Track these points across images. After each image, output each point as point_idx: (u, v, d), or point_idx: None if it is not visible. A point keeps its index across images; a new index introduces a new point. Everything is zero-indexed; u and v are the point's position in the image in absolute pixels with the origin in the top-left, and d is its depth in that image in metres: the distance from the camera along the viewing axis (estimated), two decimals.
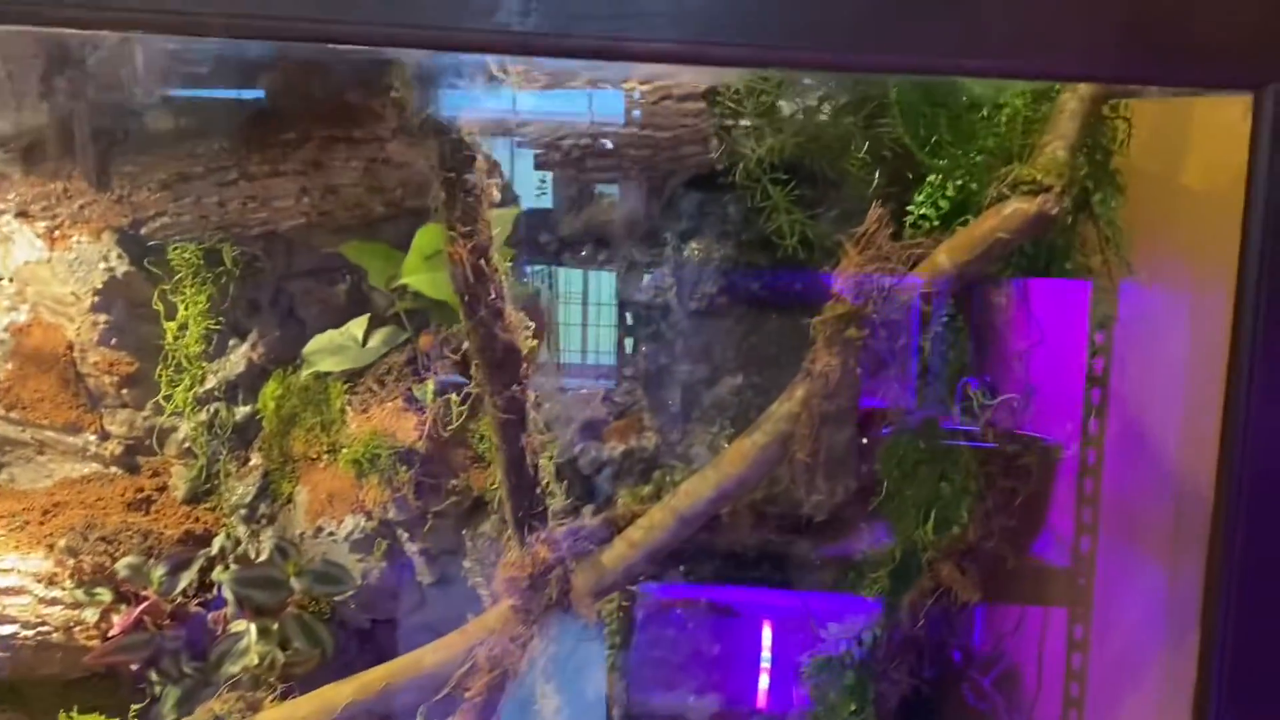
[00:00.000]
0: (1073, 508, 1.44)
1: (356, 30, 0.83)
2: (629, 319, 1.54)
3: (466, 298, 1.00)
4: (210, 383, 1.51)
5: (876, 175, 1.39)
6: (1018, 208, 1.14)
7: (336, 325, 1.50)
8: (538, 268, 1.55)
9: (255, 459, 1.53)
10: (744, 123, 1.35)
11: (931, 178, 1.37)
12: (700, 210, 1.50)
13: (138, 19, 0.81)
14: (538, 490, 1.11)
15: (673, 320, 1.52)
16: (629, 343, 1.54)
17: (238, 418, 1.52)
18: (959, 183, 1.35)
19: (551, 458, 1.28)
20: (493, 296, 0.99)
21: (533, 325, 1.37)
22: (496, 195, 0.98)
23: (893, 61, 0.91)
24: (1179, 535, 1.25)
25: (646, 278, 1.51)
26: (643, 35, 0.84)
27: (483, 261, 0.97)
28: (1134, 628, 1.39)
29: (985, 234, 1.16)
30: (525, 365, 1.05)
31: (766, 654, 1.56)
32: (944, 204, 1.38)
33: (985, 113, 1.33)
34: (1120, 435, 1.42)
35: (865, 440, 1.43)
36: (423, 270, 1.28)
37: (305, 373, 1.45)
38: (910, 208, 1.38)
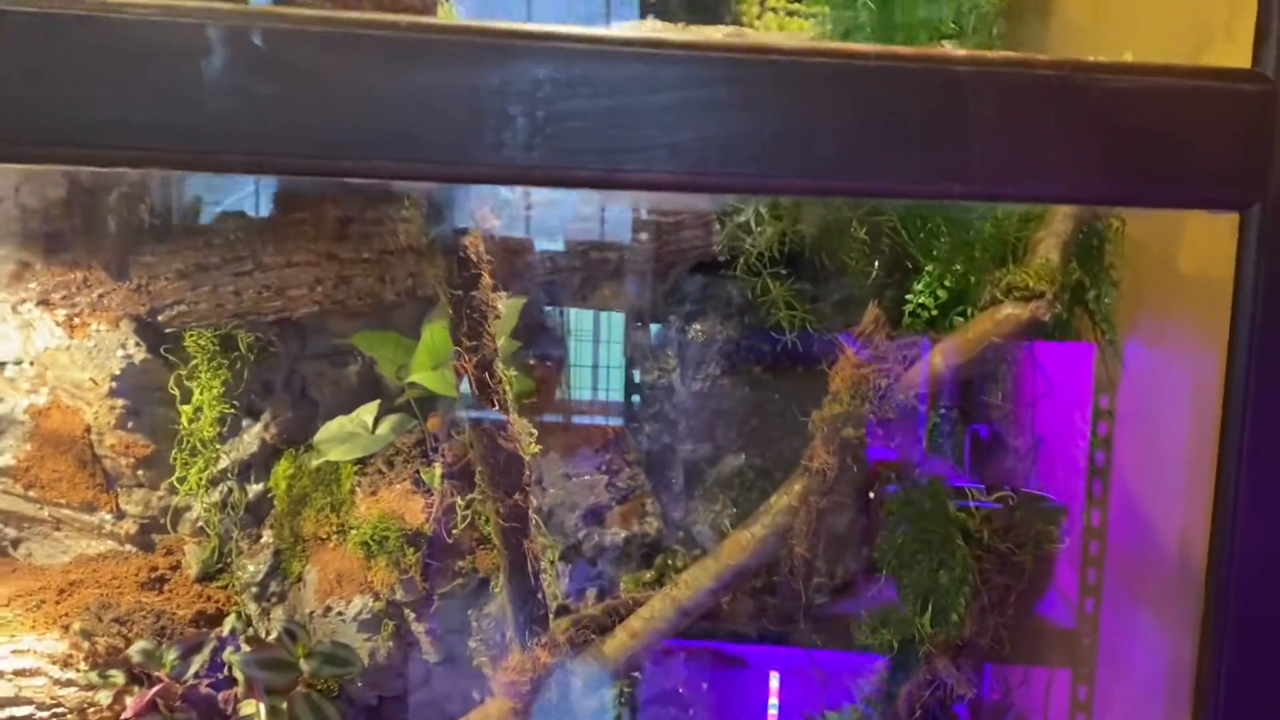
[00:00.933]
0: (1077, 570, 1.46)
1: (367, 165, 0.87)
2: (633, 399, 1.57)
3: None
4: (224, 463, 1.54)
5: (875, 266, 1.42)
6: (1010, 313, 1.17)
7: (348, 406, 1.53)
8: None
9: (267, 536, 1.56)
10: (743, 219, 1.39)
11: (930, 268, 1.41)
12: (703, 292, 1.53)
13: (156, 157, 0.84)
14: (539, 595, 1.14)
15: (676, 401, 1.55)
16: (632, 423, 1.57)
17: (250, 496, 1.55)
18: (957, 274, 1.38)
19: (553, 561, 1.31)
20: (496, 408, 1.02)
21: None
22: (501, 308, 1.01)
23: (880, 187, 0.94)
24: (1182, 598, 1.26)
25: (649, 359, 1.55)
26: (641, 167, 0.87)
27: (486, 375, 1.00)
28: (1138, 690, 1.40)
29: (978, 337, 1.18)
30: (528, 473, 1.08)
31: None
32: (942, 294, 1.41)
33: (981, 209, 1.37)
34: (1123, 500, 1.44)
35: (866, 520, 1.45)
36: (430, 368, 1.32)
37: (316, 461, 1.48)
38: (909, 297, 1.41)
